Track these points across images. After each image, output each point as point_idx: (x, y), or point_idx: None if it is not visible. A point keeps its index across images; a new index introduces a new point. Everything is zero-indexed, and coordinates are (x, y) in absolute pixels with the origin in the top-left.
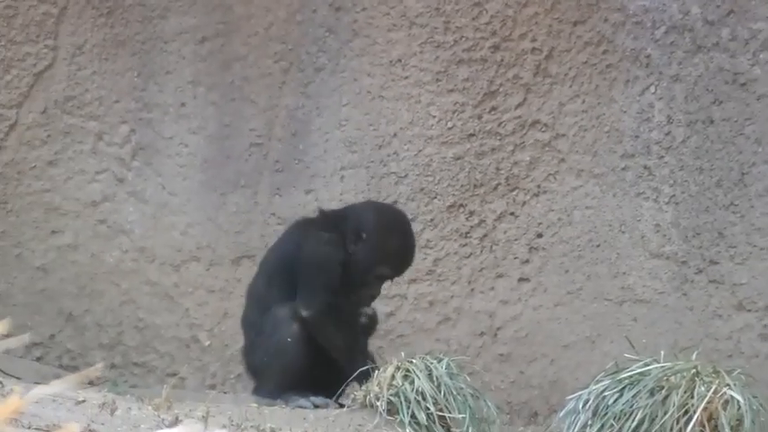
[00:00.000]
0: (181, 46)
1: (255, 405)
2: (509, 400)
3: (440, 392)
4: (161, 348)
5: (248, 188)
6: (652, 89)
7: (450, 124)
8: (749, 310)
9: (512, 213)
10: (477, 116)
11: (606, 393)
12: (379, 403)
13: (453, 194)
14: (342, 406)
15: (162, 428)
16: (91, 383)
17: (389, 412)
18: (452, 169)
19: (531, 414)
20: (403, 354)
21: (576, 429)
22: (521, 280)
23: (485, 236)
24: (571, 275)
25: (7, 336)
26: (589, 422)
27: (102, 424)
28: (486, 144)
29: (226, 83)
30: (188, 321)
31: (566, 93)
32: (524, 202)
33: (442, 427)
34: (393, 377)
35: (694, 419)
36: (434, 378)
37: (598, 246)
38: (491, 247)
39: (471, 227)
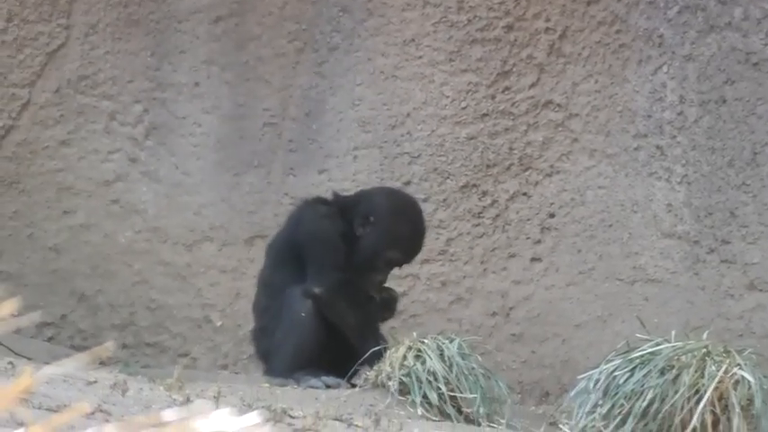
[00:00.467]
0: (195, 25)
1: (267, 385)
2: (520, 380)
3: (451, 372)
4: (173, 329)
5: (262, 168)
6: (665, 69)
7: (463, 104)
8: (761, 290)
9: (524, 193)
10: (491, 96)
11: (617, 373)
12: (390, 383)
13: (466, 174)
14: (353, 386)
15: (173, 408)
16: (102, 364)
17: (401, 392)
18: (465, 149)
19: (542, 394)
20: (415, 334)
21: (587, 409)
22: (533, 260)
23: (497, 216)
24: (583, 255)
25: (18, 315)
26: (600, 402)
27: (114, 404)
28: (500, 124)
29: (240, 62)
30: (200, 301)
31: (579, 72)
32: (537, 182)
33: (454, 407)
34: (405, 357)
35: (705, 399)
36: (446, 358)
37: (610, 226)
38: (503, 226)
39: (484, 207)
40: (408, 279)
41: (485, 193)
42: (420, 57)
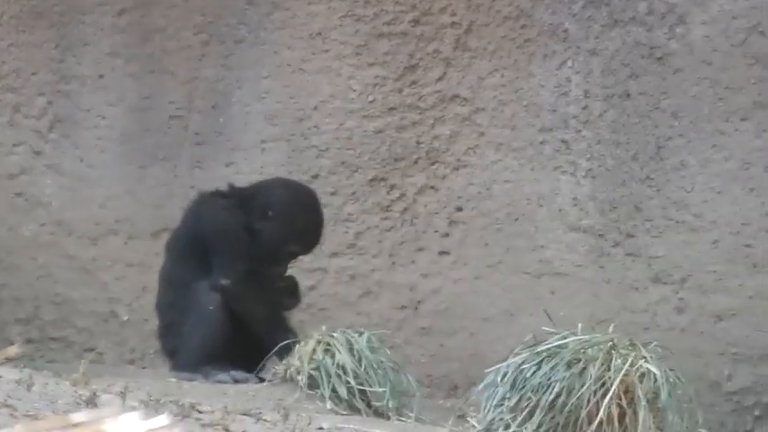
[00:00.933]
0: (99, 17)
1: (174, 380)
2: (429, 374)
3: (360, 366)
4: (79, 323)
5: (168, 161)
6: (569, 63)
7: (370, 98)
8: (665, 283)
9: (432, 187)
10: (398, 90)
11: (524, 366)
12: (299, 377)
13: (374, 168)
14: (262, 380)
15: (79, 403)
16: (7, 359)
17: (310, 386)
18: (373, 143)
19: (450, 387)
20: (324, 327)
21: (495, 402)
22: (441, 253)
23: (405, 209)
24: (491, 249)
25: None
26: (507, 395)
27: (19, 399)
28: (407, 118)
29: (145, 55)
30: (106, 296)
31: (485, 67)
32: (444, 176)
33: (363, 400)
34: (314, 351)
35: (611, 392)
36: (355, 352)
37: (517, 219)
38: (412, 220)
39: (392, 200)
40: (317, 273)
41: (393, 187)
42: (327, 50)
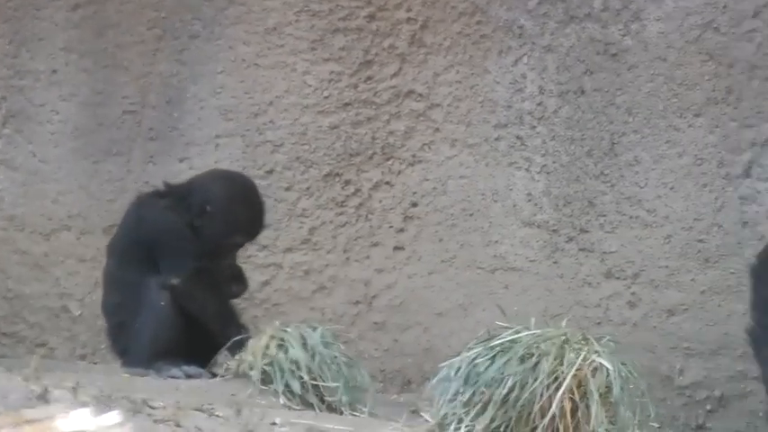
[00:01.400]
0: (53, 12)
1: (127, 375)
2: (383, 368)
3: (314, 361)
4: (30, 318)
5: (121, 156)
6: (525, 59)
7: (326, 93)
8: (618, 278)
9: (387, 183)
10: (353, 85)
11: (478, 361)
12: (252, 373)
13: (329, 163)
14: (215, 376)
15: (31, 399)
16: None
17: (263, 381)
18: (328, 138)
19: (404, 382)
20: (277, 323)
21: (448, 397)
22: (396, 248)
23: (360, 205)
24: (445, 244)
25: None
26: (461, 389)
27: None
28: (362, 113)
29: (99, 50)
30: (58, 291)
31: (440, 63)
32: (399, 172)
33: (316, 395)
34: (267, 346)
35: (564, 386)
36: (309, 347)
37: (471, 215)
38: (366, 215)
39: (347, 196)
40: (271, 268)
41: (348, 183)
42: (282, 45)
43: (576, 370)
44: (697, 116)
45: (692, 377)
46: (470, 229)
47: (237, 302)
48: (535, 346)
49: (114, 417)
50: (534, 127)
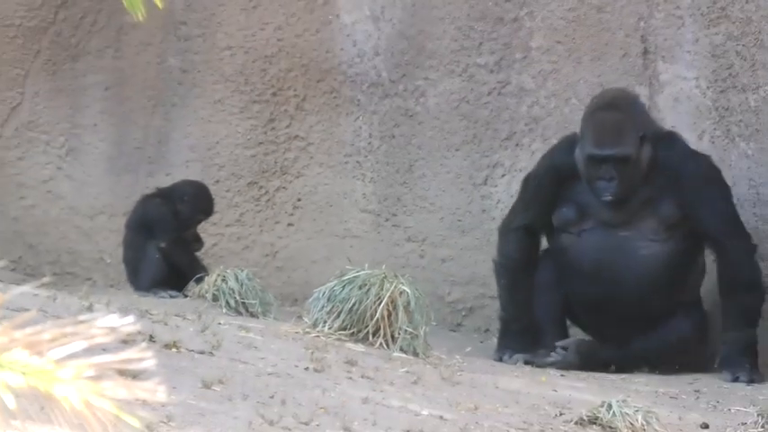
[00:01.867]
0: (95, 91)
1: (137, 296)
2: (281, 293)
3: (242, 288)
4: (82, 264)
5: (133, 173)
6: (361, 118)
7: (249, 137)
8: (414, 242)
9: (284, 187)
10: (264, 132)
11: (335, 288)
12: (207, 295)
13: (251, 176)
14: (186, 296)
15: (82, 310)
16: (42, 284)
17: (214, 299)
18: (250, 162)
19: (293, 300)
20: (222, 267)
21: (318, 309)
22: (289, 225)
23: (269, 200)
24: (317, 222)
25: None
26: (325, 304)
27: (49, 307)
28: (269, 148)
29: (120, 112)
30: (98, 248)
31: (314, 119)
32: (291, 181)
33: (243, 308)
34: (215, 280)
35: (383, 302)
36: (239, 280)
37: (331, 206)
38: (272, 206)
39: (261, 194)
40: (217, 236)
41: (261, 187)
42: (224, 110)
43: (390, 293)
44: (457, 150)
45: (454, 297)
46: (331, 214)
47: (199, 255)
48: (368, 280)
49: (130, 319)
50: (366, 156)
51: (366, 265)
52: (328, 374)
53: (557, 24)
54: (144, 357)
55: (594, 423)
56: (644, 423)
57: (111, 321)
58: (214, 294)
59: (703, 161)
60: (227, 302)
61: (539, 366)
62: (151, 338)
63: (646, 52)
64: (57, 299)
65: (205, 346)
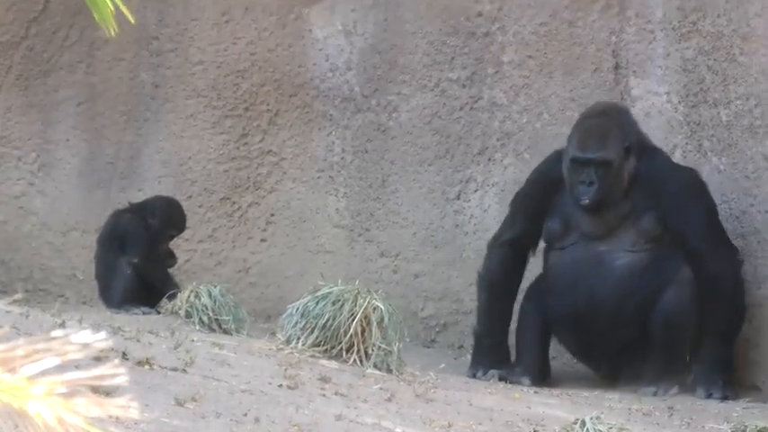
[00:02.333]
0: (68, 106)
1: (109, 313)
2: (254, 309)
3: (215, 305)
4: (54, 280)
5: (105, 188)
6: (333, 133)
7: (221, 152)
8: (387, 257)
9: (257, 203)
10: (237, 147)
11: (309, 304)
12: (180, 312)
13: (223, 191)
14: (159, 313)
15: (55, 326)
16: (14, 301)
17: (187, 316)
18: (223, 177)
19: (266, 316)
20: (194, 283)
21: (291, 325)
22: (262, 240)
23: (242, 215)
24: (290, 237)
25: None
26: (299, 320)
27: (21, 324)
28: (242, 163)
29: (93, 127)
30: (70, 264)
31: (286, 134)
32: (264, 196)
33: (217, 324)
34: (188, 296)
35: (357, 318)
36: (212, 296)
37: (304, 221)
38: (245, 221)
39: (234, 210)
40: (190, 252)
41: (234, 203)
42: (196, 125)
43: (364, 309)
44: (430, 165)
45: (428, 312)
46: (304, 229)
47: (172, 271)
48: (341, 295)
49: (102, 335)
50: (340, 171)
51: (339, 281)
52: (302, 391)
53: (528, 39)
54: (116, 374)
55: None
56: None
57: (84, 338)
58: (187, 311)
59: (685, 175)
60: (201, 319)
61: (512, 383)
62: (124, 355)
63: (617, 67)
64: (29, 316)
65: (178, 363)
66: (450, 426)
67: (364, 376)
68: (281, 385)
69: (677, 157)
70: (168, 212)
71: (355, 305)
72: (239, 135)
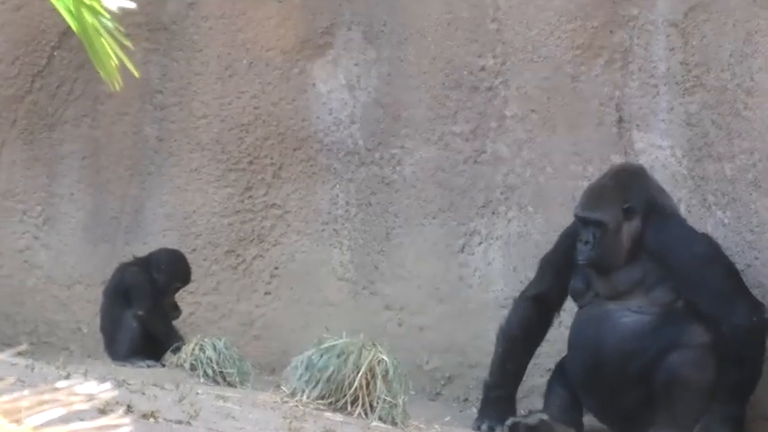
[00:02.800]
0: (72, 160)
1: (114, 366)
2: (259, 362)
3: (220, 358)
4: (59, 334)
5: (110, 242)
6: (337, 186)
7: (225, 205)
8: (392, 310)
9: (261, 256)
10: (241, 201)
11: (313, 357)
12: (185, 365)
13: (228, 244)
14: (164, 366)
15: (60, 378)
16: (19, 353)
17: (192, 369)
18: (227, 230)
19: (271, 369)
20: (199, 335)
21: (297, 377)
22: (266, 293)
23: (246, 268)
24: (294, 291)
25: None
26: (303, 373)
27: (26, 377)
28: (246, 216)
29: (97, 182)
30: (75, 318)
31: (291, 188)
32: (268, 249)
33: (221, 377)
34: (193, 349)
35: (362, 371)
36: (217, 350)
37: (309, 274)
38: (249, 274)
39: (238, 263)
40: (194, 305)
41: (239, 255)
42: (200, 179)
43: (369, 362)
44: (434, 218)
45: (433, 365)
46: (309, 282)
47: (176, 324)
48: (346, 348)
49: (107, 386)
50: (344, 224)
51: (344, 334)
52: None
53: (531, 93)
54: (121, 425)
55: None
56: None
57: (89, 388)
58: (192, 363)
59: (696, 245)
60: (205, 372)
61: None
62: (129, 408)
63: (621, 121)
64: (34, 368)
65: (183, 416)
66: None
67: (369, 429)
68: None
69: (681, 212)
70: (173, 265)
71: (360, 358)
72: (243, 188)
